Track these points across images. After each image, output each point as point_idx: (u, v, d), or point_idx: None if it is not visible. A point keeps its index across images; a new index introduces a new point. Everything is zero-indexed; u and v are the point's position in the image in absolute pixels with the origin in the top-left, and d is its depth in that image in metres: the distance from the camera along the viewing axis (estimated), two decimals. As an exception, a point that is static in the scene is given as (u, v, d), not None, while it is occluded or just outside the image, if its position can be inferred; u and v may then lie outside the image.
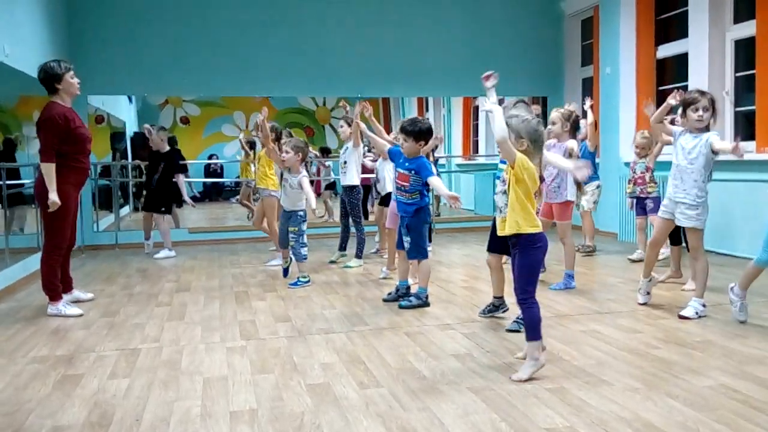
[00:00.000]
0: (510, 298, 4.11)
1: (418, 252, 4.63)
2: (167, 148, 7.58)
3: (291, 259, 5.73)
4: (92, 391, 3.06)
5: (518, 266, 3.13)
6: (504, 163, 4.08)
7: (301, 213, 5.55)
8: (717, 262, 6.01)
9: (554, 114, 5.04)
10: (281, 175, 5.92)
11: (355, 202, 6.52)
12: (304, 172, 5.60)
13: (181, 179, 7.53)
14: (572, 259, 5.14)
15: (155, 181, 7.44)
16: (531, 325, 3.12)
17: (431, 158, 6.21)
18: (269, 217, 6.72)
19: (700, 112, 4.04)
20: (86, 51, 7.83)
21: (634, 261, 6.22)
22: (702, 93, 4.11)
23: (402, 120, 4.83)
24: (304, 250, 5.53)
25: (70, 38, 7.77)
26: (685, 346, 3.57)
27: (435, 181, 4.50)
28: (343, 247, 6.71)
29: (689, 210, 4.12)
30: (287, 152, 5.50)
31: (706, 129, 4.13)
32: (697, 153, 4.08)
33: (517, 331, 3.91)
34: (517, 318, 4.03)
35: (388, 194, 5.98)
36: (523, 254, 3.12)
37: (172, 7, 8.23)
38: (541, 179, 3.24)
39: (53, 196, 4.37)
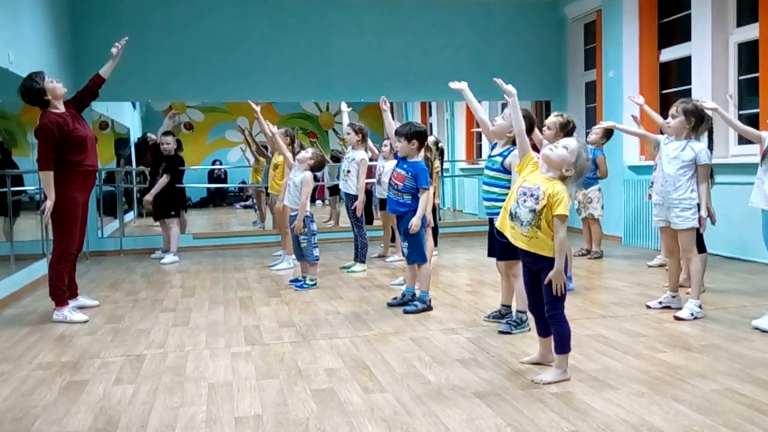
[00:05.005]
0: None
1: (418, 256, 4.69)
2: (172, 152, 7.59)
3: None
4: (98, 397, 3.06)
5: (546, 284, 3.07)
6: (489, 168, 4.08)
7: (308, 214, 5.55)
8: (739, 269, 6.00)
9: (551, 119, 4.97)
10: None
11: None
12: (308, 172, 5.63)
13: (163, 180, 7.38)
14: (570, 261, 5.13)
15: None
16: (561, 340, 3.11)
17: (439, 166, 6.21)
18: (280, 222, 6.72)
19: (669, 119, 4.32)
20: (90, 58, 7.82)
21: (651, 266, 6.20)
22: (683, 101, 4.32)
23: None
24: (315, 251, 5.56)
25: (74, 45, 7.81)
26: (690, 349, 3.56)
27: (424, 196, 4.61)
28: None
29: (683, 212, 4.23)
30: (306, 151, 5.65)
31: (696, 138, 4.27)
32: (676, 155, 4.25)
33: (509, 333, 3.92)
34: (509, 320, 4.04)
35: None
36: (548, 274, 3.05)
37: (175, 14, 8.27)
38: None
39: (49, 203, 4.48)
